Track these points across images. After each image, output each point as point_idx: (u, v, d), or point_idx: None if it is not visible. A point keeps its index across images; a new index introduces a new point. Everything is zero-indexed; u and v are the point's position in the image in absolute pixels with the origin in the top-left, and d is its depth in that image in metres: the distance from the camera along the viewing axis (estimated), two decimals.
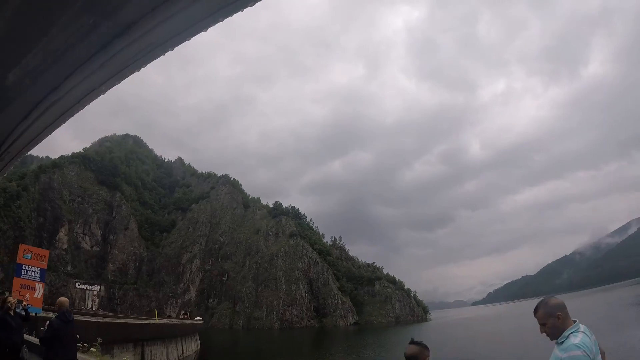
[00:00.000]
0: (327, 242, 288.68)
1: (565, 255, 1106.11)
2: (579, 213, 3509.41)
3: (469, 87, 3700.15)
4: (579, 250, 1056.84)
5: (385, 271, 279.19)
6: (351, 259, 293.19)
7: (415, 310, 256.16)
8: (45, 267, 23.89)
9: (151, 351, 46.53)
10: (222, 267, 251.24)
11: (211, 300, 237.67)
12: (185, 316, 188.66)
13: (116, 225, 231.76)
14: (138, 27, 1.95)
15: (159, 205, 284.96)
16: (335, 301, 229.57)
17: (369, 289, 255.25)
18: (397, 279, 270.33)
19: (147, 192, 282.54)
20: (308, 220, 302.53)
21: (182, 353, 60.84)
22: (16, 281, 21.74)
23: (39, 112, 2.46)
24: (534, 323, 4.76)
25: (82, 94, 2.47)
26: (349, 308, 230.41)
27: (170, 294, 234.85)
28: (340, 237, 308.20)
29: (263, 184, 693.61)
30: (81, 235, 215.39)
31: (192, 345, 66.49)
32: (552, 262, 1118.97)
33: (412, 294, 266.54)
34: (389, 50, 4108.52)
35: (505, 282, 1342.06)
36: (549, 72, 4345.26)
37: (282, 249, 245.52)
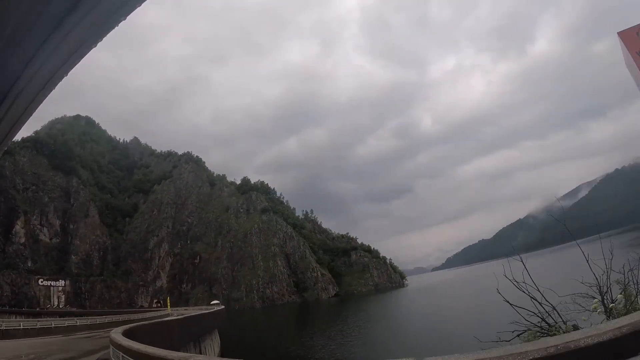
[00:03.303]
0: (298, 215, 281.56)
1: (520, 219, 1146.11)
2: (528, 180, 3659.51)
3: (421, 65, 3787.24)
4: (532, 214, 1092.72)
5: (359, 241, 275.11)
6: (324, 231, 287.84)
7: (393, 276, 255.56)
8: None
9: (205, 347, 42.61)
10: (193, 249, 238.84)
11: (184, 285, 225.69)
12: (159, 304, 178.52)
13: (75, 213, 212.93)
14: None
15: (119, 189, 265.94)
16: (315, 274, 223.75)
17: (346, 260, 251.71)
18: (372, 247, 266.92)
19: (104, 176, 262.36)
20: (278, 195, 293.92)
21: (219, 344, 55.61)
22: None
23: (7, 105, 2.35)
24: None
25: (45, 79, 2.29)
26: (329, 280, 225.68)
27: (140, 283, 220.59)
28: (312, 210, 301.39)
29: (218, 165, 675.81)
30: (38, 227, 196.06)
31: (217, 336, 57.81)
32: (507, 226, 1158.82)
33: (388, 261, 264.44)
34: (343, 29, 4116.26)
35: (463, 247, 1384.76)
36: (498, 50, 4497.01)
37: (256, 225, 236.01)
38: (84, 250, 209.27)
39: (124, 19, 1.89)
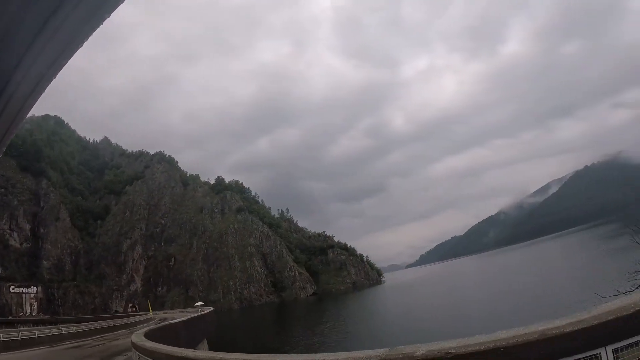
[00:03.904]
0: (274, 215, 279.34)
1: (491, 215, 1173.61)
2: (499, 178, 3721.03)
3: (394, 64, 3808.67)
4: (503, 211, 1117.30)
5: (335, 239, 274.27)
6: (301, 230, 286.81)
7: (370, 274, 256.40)
8: None
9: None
10: (167, 251, 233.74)
11: (159, 289, 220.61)
12: (134, 309, 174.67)
13: (45, 216, 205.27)
14: None
15: (89, 191, 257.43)
16: (292, 273, 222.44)
17: (323, 258, 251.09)
18: (349, 245, 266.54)
19: (74, 177, 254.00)
20: (253, 194, 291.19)
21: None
22: None
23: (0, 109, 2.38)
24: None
25: (35, 80, 2.24)
26: (306, 279, 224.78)
27: (114, 287, 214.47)
28: (287, 209, 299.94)
29: (190, 165, 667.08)
30: (8, 231, 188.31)
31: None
32: (479, 223, 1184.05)
33: (365, 259, 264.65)
34: (316, 29, 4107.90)
35: (435, 244, 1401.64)
36: (470, 50, 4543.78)
37: (231, 225, 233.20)
38: (55, 255, 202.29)
39: (108, 16, 1.88)
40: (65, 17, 1.64)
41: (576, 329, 3.85)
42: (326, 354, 5.90)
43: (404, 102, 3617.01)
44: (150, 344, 13.05)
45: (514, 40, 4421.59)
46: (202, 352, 8.18)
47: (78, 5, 1.64)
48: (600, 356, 3.82)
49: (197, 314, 54.49)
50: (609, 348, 3.80)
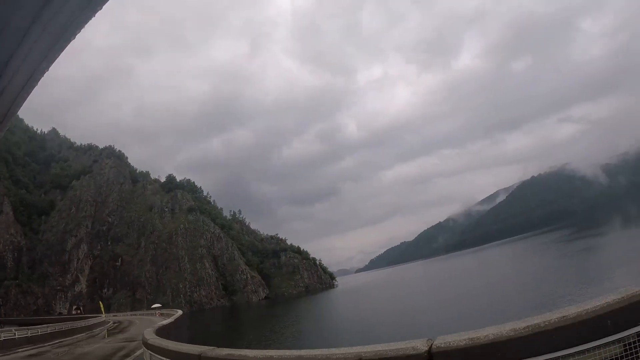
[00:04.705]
0: (226, 216, 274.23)
1: (440, 222, 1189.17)
2: (447, 186, 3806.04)
3: (349, 72, 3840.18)
4: (452, 217, 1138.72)
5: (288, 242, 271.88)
6: (253, 233, 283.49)
7: (323, 278, 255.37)
8: None
9: None
10: (114, 251, 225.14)
11: (105, 290, 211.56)
12: (78, 311, 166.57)
13: None
14: None
15: (34, 184, 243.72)
16: (244, 276, 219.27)
17: (275, 261, 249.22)
18: (302, 248, 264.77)
19: (19, 169, 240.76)
20: (205, 194, 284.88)
21: None
22: None
23: None
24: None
25: (28, 74, 2.24)
26: (258, 282, 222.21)
27: (58, 287, 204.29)
28: (239, 211, 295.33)
29: (140, 161, 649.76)
30: None
31: None
32: (428, 229, 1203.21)
33: (317, 263, 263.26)
34: (273, 31, 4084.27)
35: (385, 249, 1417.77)
36: (424, 62, 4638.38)
37: (182, 225, 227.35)
38: None
39: (100, 9, 1.78)
40: (58, 8, 1.58)
41: (607, 311, 3.80)
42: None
43: (357, 109, 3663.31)
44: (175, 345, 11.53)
45: (467, 54, 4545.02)
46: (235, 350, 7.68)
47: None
48: (637, 335, 3.72)
49: (176, 315, 50.77)
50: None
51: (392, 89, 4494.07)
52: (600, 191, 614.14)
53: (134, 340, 33.28)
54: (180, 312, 62.86)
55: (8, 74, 1.99)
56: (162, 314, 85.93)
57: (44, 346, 35.54)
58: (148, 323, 56.87)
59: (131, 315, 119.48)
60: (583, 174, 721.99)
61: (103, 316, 77.94)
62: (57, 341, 39.83)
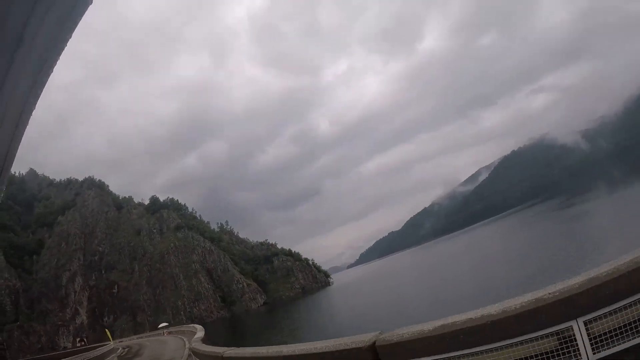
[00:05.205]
0: (214, 229, 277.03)
1: (425, 207, 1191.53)
2: (428, 170, 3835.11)
3: (314, 70, 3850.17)
4: (436, 202, 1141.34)
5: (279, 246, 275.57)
6: (243, 241, 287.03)
7: (318, 277, 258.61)
8: None
9: None
10: (109, 278, 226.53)
11: (106, 318, 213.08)
12: (82, 343, 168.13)
13: None
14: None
15: (20, 226, 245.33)
16: (241, 286, 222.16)
17: (269, 267, 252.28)
18: (293, 250, 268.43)
19: (4, 213, 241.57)
20: (190, 210, 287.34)
21: None
22: None
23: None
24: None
25: (22, 100, 2.19)
26: (255, 289, 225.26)
27: (59, 323, 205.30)
28: (227, 222, 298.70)
29: (119, 188, 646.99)
30: None
31: None
32: (414, 216, 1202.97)
33: (311, 262, 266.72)
34: (233, 40, 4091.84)
35: (374, 242, 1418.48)
36: (388, 50, 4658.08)
37: (172, 244, 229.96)
38: None
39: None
40: (38, 27, 1.51)
41: (544, 304, 3.91)
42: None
43: (327, 107, 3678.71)
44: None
45: (430, 37, 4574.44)
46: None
47: (48, 13, 1.49)
48: (572, 329, 3.86)
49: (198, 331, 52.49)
50: (580, 320, 3.85)
51: (360, 82, 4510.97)
52: (582, 157, 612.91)
53: None
54: (198, 326, 63.49)
55: (3, 101, 1.89)
56: (170, 333, 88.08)
57: None
58: (159, 344, 58.26)
59: (137, 338, 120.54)
60: (563, 142, 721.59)
61: (111, 343, 78.01)
62: None
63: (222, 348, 10.89)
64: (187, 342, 42.72)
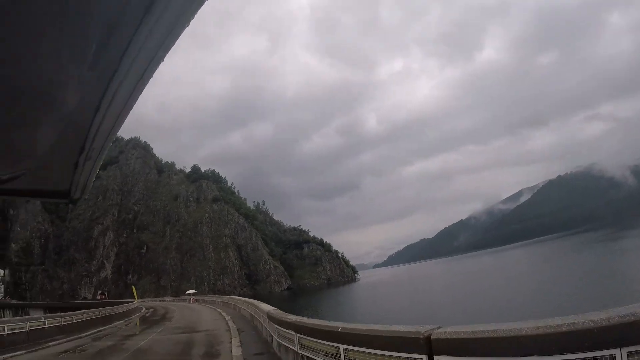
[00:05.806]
0: (249, 207, 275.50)
1: (461, 220, 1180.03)
2: (470, 183, 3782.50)
3: (369, 65, 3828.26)
4: (474, 215, 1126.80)
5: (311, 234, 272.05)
6: (276, 223, 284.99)
7: (345, 271, 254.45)
8: None
9: None
10: (140, 238, 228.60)
11: (130, 276, 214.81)
12: (103, 296, 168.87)
13: None
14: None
15: None
16: (268, 267, 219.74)
17: (298, 252, 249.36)
18: (324, 241, 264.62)
19: None
20: (229, 184, 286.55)
21: None
22: None
23: (107, 103, 2.06)
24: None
25: (134, 82, 2.13)
26: (281, 273, 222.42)
27: (84, 273, 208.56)
28: (263, 202, 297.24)
29: (163, 155, 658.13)
30: None
31: None
32: (449, 226, 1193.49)
33: (340, 255, 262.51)
34: (292, 25, 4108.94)
35: (404, 246, 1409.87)
36: (446, 55, 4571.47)
37: (206, 215, 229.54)
38: (24, 237, 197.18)
39: (199, 10, 1.68)
40: (164, 8, 1.57)
41: (591, 327, 3.98)
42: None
43: (377, 103, 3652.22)
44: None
45: (490, 47, 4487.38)
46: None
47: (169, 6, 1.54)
48: (615, 357, 3.86)
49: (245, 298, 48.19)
50: (624, 350, 3.83)
51: (414, 83, 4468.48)
52: (629, 193, 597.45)
53: (195, 331, 28.90)
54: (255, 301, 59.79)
55: (116, 81, 1.96)
56: (196, 300, 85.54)
57: (81, 337, 30.36)
58: (188, 311, 55.72)
59: (160, 300, 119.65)
60: (611, 174, 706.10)
61: (136, 301, 76.24)
62: (94, 331, 34.59)
63: (340, 323, 9.47)
64: (225, 315, 38.93)
